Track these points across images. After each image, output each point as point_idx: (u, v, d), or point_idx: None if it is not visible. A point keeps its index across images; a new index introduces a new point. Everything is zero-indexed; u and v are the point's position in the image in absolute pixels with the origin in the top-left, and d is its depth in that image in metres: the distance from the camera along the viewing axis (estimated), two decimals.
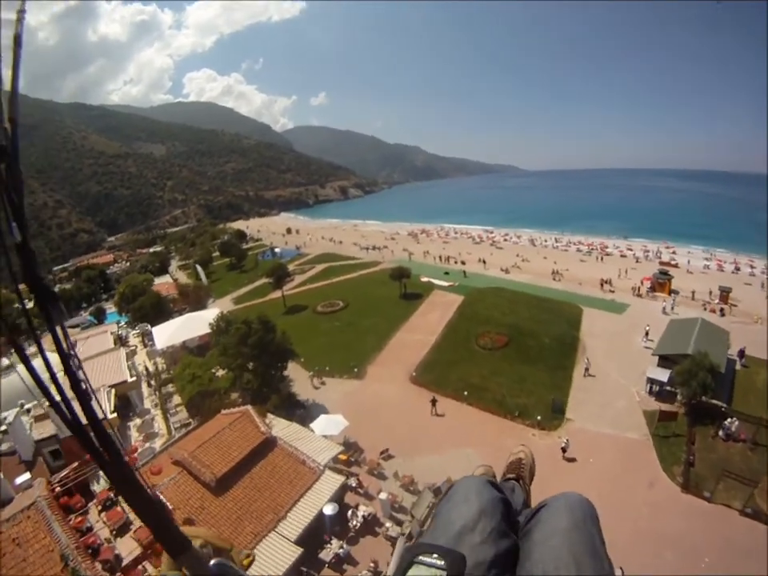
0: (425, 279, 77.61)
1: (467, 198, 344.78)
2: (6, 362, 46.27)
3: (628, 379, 41.90)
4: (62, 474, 29.98)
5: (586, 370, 43.48)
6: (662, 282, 66.87)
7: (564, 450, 32.59)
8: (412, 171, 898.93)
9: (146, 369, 53.48)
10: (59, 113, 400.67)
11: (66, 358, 1.51)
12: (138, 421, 42.75)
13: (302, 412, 41.26)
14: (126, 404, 44.60)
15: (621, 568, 1.88)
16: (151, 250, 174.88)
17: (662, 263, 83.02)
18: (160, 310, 69.26)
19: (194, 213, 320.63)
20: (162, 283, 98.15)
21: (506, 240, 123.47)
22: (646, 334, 49.28)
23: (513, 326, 53.36)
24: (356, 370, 48.38)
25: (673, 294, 63.77)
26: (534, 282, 74.01)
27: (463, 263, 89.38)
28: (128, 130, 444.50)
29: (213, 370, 45.44)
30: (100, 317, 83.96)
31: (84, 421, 1.58)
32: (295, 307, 72.66)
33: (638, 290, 66.24)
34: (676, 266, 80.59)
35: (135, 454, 33.45)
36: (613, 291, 67.48)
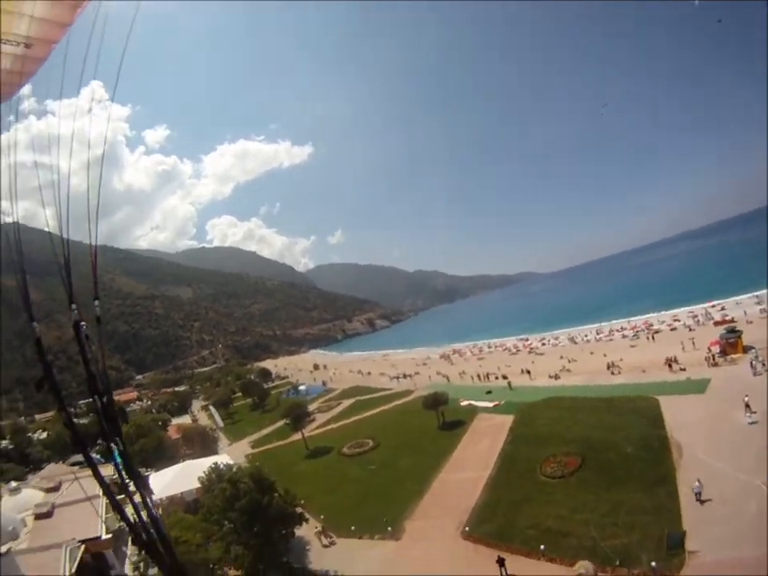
0: (465, 403, 67.40)
1: (494, 312, 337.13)
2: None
3: (748, 471, 30.82)
4: None
5: (698, 495, 30.51)
6: (732, 342, 58.01)
7: None
8: (435, 295, 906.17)
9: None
10: (88, 254, 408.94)
11: (153, 515, 2.15)
12: None
13: None
14: (101, 565, 36.09)
15: None
16: (176, 389, 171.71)
17: (716, 323, 76.59)
18: (162, 455, 63.03)
19: (221, 353, 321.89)
20: (180, 424, 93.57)
21: (543, 345, 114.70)
22: (747, 406, 39.02)
23: (583, 441, 42.89)
24: (389, 528, 37.69)
25: (751, 351, 54.32)
26: (591, 382, 64.28)
27: (505, 377, 78.88)
28: (155, 273, 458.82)
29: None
30: (107, 456, 74.28)
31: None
32: (319, 450, 63.36)
33: (712, 359, 56.84)
34: (732, 320, 73.02)
35: None
36: (683, 369, 57.76)
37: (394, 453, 54.94)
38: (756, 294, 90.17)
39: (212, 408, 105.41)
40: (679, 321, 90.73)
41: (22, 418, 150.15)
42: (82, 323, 3.06)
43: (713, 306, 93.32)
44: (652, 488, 33.49)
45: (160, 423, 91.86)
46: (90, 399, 2.77)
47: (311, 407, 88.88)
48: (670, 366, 60.04)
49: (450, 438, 55.15)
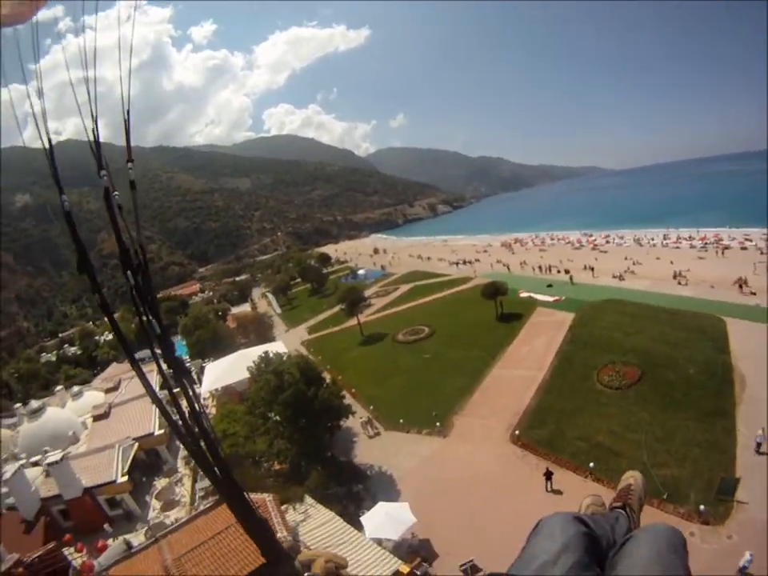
0: (525, 295, 65.55)
1: (558, 204, 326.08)
2: (35, 404, 45.42)
3: None
4: (36, 555, 21.41)
5: (759, 445, 27.52)
6: None
7: (743, 571, 20.00)
8: (498, 183, 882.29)
9: None
10: (144, 157, 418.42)
11: (197, 413, 2.12)
12: (164, 481, 36.72)
13: (360, 489, 31.06)
14: (154, 461, 39.44)
15: None
16: (237, 278, 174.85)
17: None
18: (219, 344, 63.24)
19: (282, 240, 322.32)
20: (237, 313, 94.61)
21: (608, 242, 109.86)
22: None
23: (643, 352, 40.53)
24: (438, 424, 36.94)
25: None
26: (656, 289, 60.31)
27: (567, 272, 75.70)
28: (213, 167, 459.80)
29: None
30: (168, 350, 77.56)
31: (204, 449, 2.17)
32: (373, 336, 63.14)
33: None
34: None
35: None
36: (754, 293, 52.37)
37: (449, 342, 53.96)
38: None
39: (269, 295, 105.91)
40: (751, 241, 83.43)
41: (90, 322, 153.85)
42: (115, 192, 2.31)
43: None
44: (710, 419, 31.16)
45: (220, 313, 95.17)
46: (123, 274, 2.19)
47: (368, 292, 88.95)
48: (741, 287, 55.13)
49: (507, 330, 53.71)
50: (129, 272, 2.20)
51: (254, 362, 38.60)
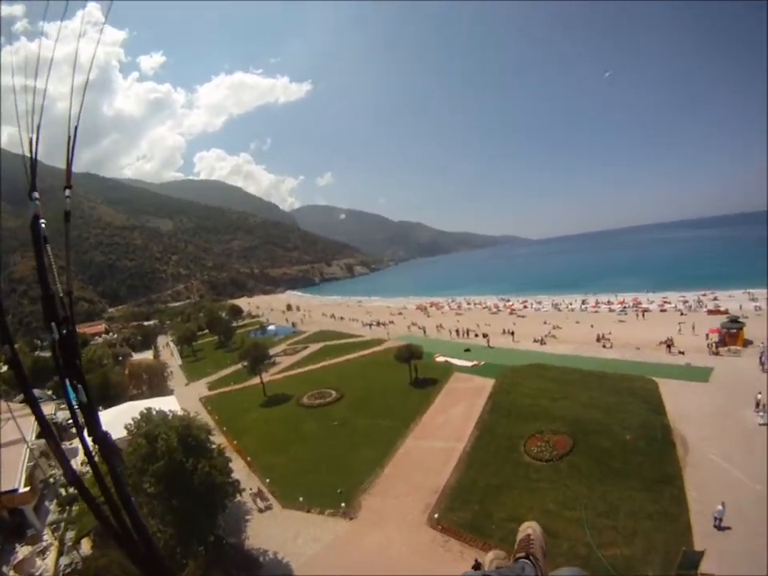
0: (441, 359, 62.04)
1: (475, 270, 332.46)
2: None
3: (762, 480, 25.69)
4: None
5: (718, 521, 23.98)
6: (733, 333, 54.26)
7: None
8: (417, 248, 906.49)
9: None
10: (72, 181, 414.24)
11: (126, 496, 1.79)
12: (26, 549, 30.61)
13: None
14: (18, 523, 32.82)
15: None
16: (145, 323, 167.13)
17: (710, 312, 74.38)
18: (108, 393, 56.62)
19: (197, 288, 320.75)
20: (136, 360, 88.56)
21: (525, 307, 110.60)
22: (757, 405, 34.89)
23: (573, 420, 37.39)
24: (343, 504, 31.64)
25: (756, 345, 50.60)
26: (580, 353, 58.72)
27: (485, 336, 72.94)
28: (137, 203, 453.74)
29: None
30: (59, 392, 70.23)
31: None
32: (277, 397, 57.61)
33: (714, 347, 52.86)
34: (726, 312, 69.52)
35: None
36: (682, 353, 52.90)
37: (358, 408, 49.21)
38: (749, 290, 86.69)
39: (171, 344, 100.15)
40: (670, 303, 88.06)
41: None
42: (42, 220, 1.98)
43: (704, 295, 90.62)
44: (656, 487, 28.22)
45: (120, 358, 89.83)
46: (46, 327, 1.92)
47: (277, 349, 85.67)
48: (668, 347, 55.20)
49: (422, 396, 49.58)
50: (53, 324, 1.85)
51: (133, 418, 32.40)
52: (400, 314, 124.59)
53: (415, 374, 54.54)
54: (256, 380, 62.34)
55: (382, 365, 62.99)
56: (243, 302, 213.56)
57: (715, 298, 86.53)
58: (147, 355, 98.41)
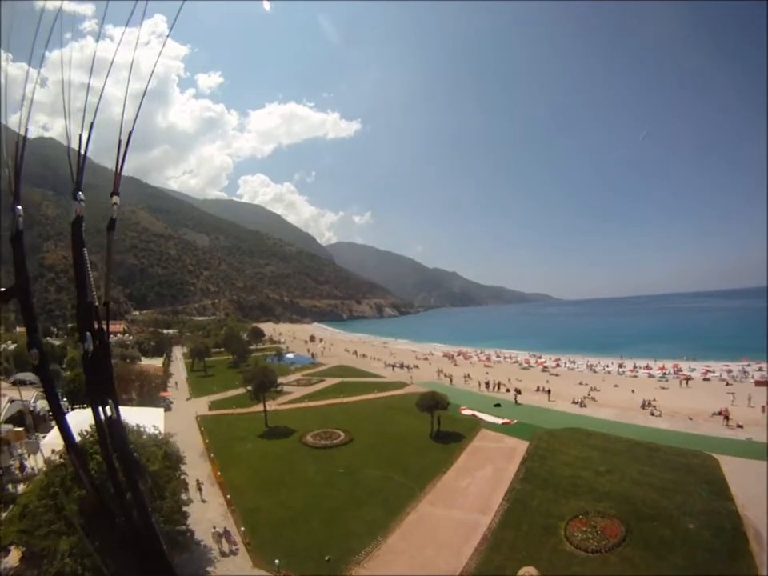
0: (467, 412, 54.78)
1: (506, 324, 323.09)
2: None
3: None
4: None
5: None
6: None
7: None
8: (449, 296, 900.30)
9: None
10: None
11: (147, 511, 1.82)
12: None
13: None
14: None
15: None
16: (165, 331, 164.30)
17: (758, 382, 67.60)
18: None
19: (223, 306, 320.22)
20: (150, 364, 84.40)
21: (558, 366, 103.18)
22: None
23: (622, 500, 30.88)
24: None
25: None
26: (624, 420, 52.05)
27: (518, 391, 66.04)
28: (177, 215, 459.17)
29: None
30: (54, 382, 65.18)
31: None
32: (278, 430, 51.46)
33: None
34: None
35: None
36: (741, 426, 46.80)
37: (368, 457, 42.53)
38: None
39: (179, 355, 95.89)
40: (713, 372, 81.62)
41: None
42: (83, 223, 1.93)
43: (748, 365, 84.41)
44: None
45: (127, 360, 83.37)
46: (80, 337, 1.78)
47: (291, 378, 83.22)
48: (726, 419, 48.73)
49: (443, 453, 42.76)
50: (88, 333, 1.78)
51: (90, 426, 26.29)
52: (426, 359, 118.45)
53: (437, 426, 47.97)
54: (261, 407, 56.11)
55: (400, 411, 56.86)
56: (268, 327, 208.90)
57: (760, 369, 79.41)
58: (157, 362, 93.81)
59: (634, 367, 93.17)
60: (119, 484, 1.69)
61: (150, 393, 62.13)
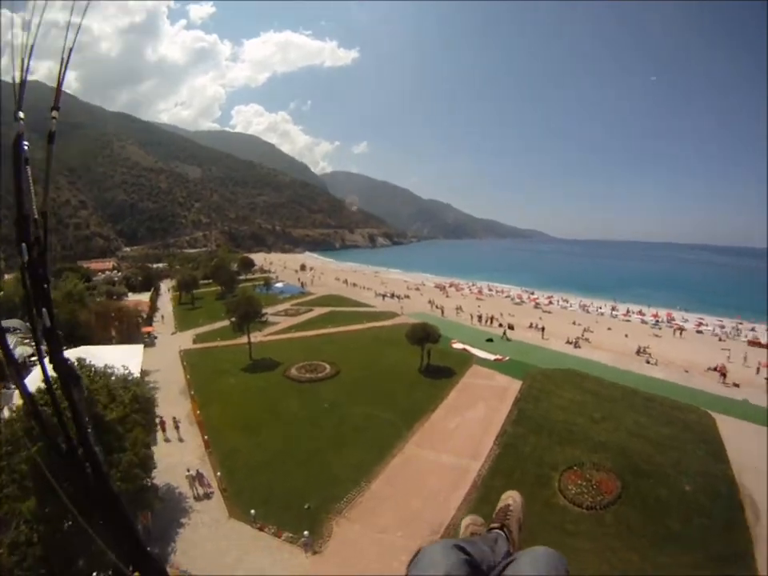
0: (458, 346, 53.42)
1: (499, 258, 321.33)
2: None
3: None
4: None
5: None
6: None
7: None
8: (443, 228, 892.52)
9: None
10: (104, 119, 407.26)
11: (83, 429, 1.69)
12: None
13: None
14: None
15: None
16: (155, 265, 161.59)
17: (751, 342, 66.54)
18: (74, 334, 47.75)
19: (215, 238, 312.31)
20: (136, 300, 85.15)
21: (550, 303, 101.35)
22: None
23: (618, 451, 29.40)
24: (306, 533, 22.48)
25: None
26: (618, 365, 50.26)
27: (511, 327, 64.77)
28: (169, 148, 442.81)
29: None
30: (56, 349, 63.59)
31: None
32: (263, 362, 49.63)
33: None
34: None
35: None
36: (737, 385, 44.91)
37: (354, 392, 40.81)
38: None
39: (163, 287, 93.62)
40: (707, 326, 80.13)
41: None
42: (25, 142, 1.68)
43: (740, 324, 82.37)
44: (722, 566, 20.65)
45: (114, 297, 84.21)
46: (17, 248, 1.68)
47: (279, 308, 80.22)
48: (723, 376, 46.83)
49: (433, 389, 41.10)
50: (24, 245, 1.70)
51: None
52: (417, 289, 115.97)
53: (427, 360, 46.09)
54: (246, 339, 54.06)
55: (390, 342, 54.86)
56: (260, 257, 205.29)
57: (753, 329, 78.33)
58: (144, 297, 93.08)
59: (627, 311, 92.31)
60: (54, 395, 1.65)
61: (131, 329, 59.55)
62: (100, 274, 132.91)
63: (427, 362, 46.04)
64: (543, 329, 63.86)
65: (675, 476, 26.89)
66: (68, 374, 1.64)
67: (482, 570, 1.80)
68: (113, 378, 24.80)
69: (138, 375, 34.23)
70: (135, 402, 24.03)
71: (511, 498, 2.66)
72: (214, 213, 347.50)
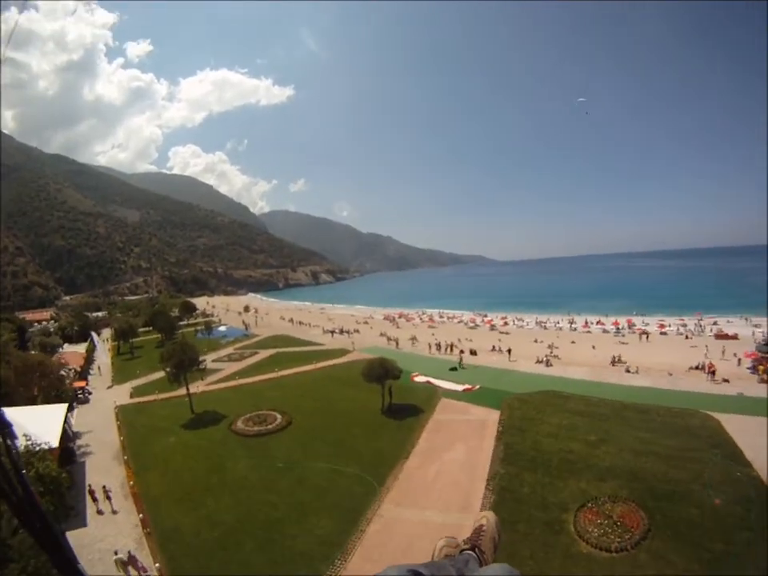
0: (421, 379, 49.43)
1: (444, 286, 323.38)
2: None
3: None
4: None
5: None
6: None
7: None
8: (385, 261, 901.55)
9: None
10: (41, 161, 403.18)
11: (8, 476, 1.61)
12: None
13: None
14: None
15: None
16: (94, 314, 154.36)
17: (717, 336, 67.88)
18: None
19: (156, 283, 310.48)
20: (71, 351, 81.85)
21: (506, 324, 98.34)
22: None
23: (629, 475, 25.91)
24: None
25: None
26: (597, 378, 47.66)
27: (473, 353, 61.32)
28: (106, 191, 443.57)
29: None
30: None
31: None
32: (206, 416, 44.07)
33: (763, 374, 44.03)
34: (735, 336, 65.44)
35: None
36: (727, 381, 43.74)
37: (311, 443, 35.54)
38: (747, 316, 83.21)
39: (95, 337, 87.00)
40: (669, 327, 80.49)
41: None
42: None
43: (700, 319, 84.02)
44: None
45: (48, 349, 78.01)
46: None
47: (222, 353, 76.84)
48: (712, 373, 45.07)
49: (400, 432, 36.29)
50: None
51: None
52: (366, 323, 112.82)
53: (389, 399, 41.32)
54: (191, 388, 48.70)
55: (344, 382, 50.34)
56: (202, 301, 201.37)
57: (715, 323, 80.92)
58: (80, 348, 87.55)
59: (586, 323, 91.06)
60: None
61: (59, 385, 52.22)
62: (36, 324, 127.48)
63: (389, 401, 41.30)
64: (510, 350, 60.40)
65: (700, 491, 23.60)
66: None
67: None
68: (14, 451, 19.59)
69: (55, 444, 29.39)
70: (39, 482, 19.12)
71: (485, 519, 2.49)
72: (154, 257, 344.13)
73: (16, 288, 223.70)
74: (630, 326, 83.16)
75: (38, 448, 23.64)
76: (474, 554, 2.21)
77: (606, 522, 22.24)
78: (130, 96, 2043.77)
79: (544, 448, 30.35)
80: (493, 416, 36.75)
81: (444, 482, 27.93)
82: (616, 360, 53.12)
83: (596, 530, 21.85)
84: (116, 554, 22.33)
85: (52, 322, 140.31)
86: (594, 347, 62.63)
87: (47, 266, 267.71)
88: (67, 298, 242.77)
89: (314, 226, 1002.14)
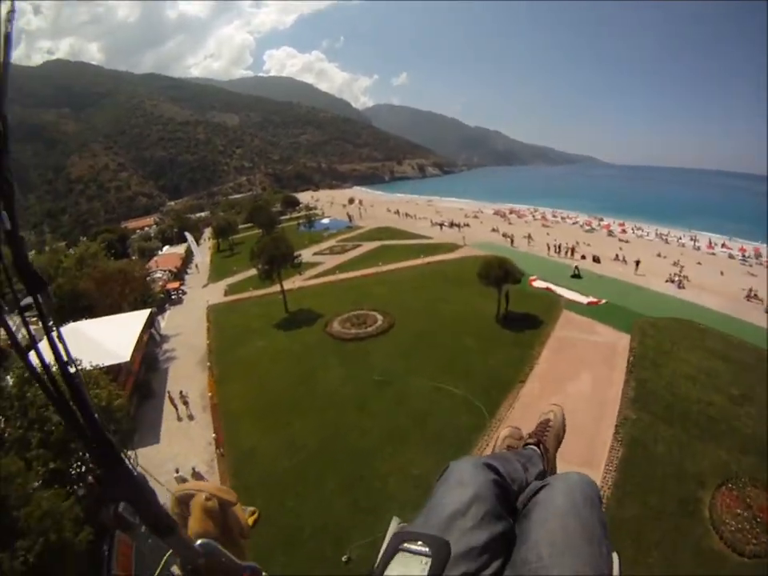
0: (540, 284, 43.85)
1: (555, 184, 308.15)
2: None
3: None
4: None
5: None
6: None
7: None
8: (492, 155, 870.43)
9: None
10: (133, 83, 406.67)
11: (54, 342, 1.33)
12: None
13: None
14: None
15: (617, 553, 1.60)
16: (197, 215, 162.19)
17: None
18: (76, 305, 41.02)
19: (259, 181, 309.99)
20: (169, 254, 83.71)
21: (624, 231, 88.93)
22: None
23: None
24: None
25: None
26: (732, 312, 38.79)
27: (596, 260, 54.86)
28: (203, 100, 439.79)
29: None
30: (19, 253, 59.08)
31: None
32: (301, 315, 41.42)
33: None
34: None
35: None
36: None
37: (413, 353, 31.59)
38: None
39: (189, 237, 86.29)
40: None
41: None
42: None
43: None
44: None
45: (146, 253, 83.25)
46: None
47: (323, 246, 74.58)
48: None
49: (518, 349, 31.27)
50: None
51: None
52: (476, 217, 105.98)
53: (506, 306, 36.24)
54: (288, 283, 46.56)
55: (455, 281, 45.60)
56: (306, 196, 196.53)
57: None
58: (180, 249, 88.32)
59: (710, 243, 78.30)
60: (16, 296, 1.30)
61: (145, 290, 50.23)
62: (138, 231, 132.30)
63: (506, 309, 36.30)
64: (638, 262, 52.33)
65: None
66: (35, 279, 1.29)
67: (513, 490, 1.68)
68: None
69: (126, 358, 27.93)
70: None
71: (552, 413, 2.43)
72: (257, 157, 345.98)
73: (120, 200, 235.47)
74: (757, 255, 67.96)
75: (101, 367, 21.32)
76: (538, 451, 2.13)
77: (745, 512, 16.99)
78: (215, 8, 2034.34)
79: (682, 393, 24.76)
80: (623, 340, 31.21)
81: (569, 419, 22.98)
82: (752, 295, 43.82)
83: (733, 521, 16.71)
84: (177, 471, 20.52)
85: (154, 227, 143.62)
86: (722, 273, 53.04)
87: (150, 176, 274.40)
88: (171, 203, 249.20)
89: (418, 120, 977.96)
